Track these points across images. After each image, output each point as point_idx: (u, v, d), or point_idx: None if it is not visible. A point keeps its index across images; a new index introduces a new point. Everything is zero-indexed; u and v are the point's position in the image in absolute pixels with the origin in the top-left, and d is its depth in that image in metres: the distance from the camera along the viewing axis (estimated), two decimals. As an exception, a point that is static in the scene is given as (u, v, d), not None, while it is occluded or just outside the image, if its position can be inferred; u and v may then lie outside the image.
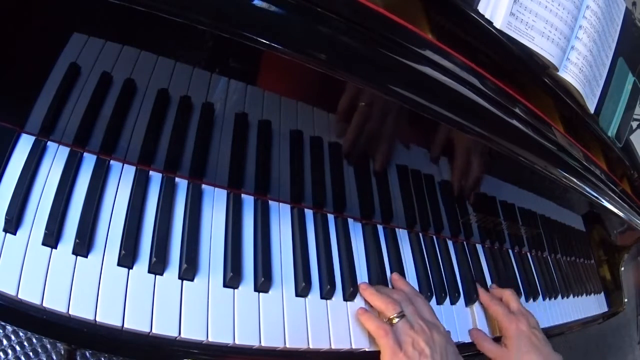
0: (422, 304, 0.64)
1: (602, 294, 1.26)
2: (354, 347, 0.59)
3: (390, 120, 0.57)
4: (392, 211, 0.72)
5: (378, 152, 0.63)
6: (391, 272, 0.69)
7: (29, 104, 0.48)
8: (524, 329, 0.72)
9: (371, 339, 0.60)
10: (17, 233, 0.45)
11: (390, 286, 0.67)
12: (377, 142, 0.61)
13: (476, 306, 0.78)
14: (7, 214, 0.45)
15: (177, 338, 0.48)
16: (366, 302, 0.63)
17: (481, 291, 0.78)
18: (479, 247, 0.87)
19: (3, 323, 0.59)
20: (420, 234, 0.77)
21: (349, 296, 0.62)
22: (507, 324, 0.73)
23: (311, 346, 0.56)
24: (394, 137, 0.61)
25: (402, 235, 0.75)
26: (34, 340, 0.60)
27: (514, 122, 0.61)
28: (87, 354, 0.61)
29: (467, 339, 0.73)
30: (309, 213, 0.66)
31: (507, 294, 0.79)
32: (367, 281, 0.66)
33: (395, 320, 0.58)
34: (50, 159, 0.51)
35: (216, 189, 0.60)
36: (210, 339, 0.50)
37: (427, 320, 0.60)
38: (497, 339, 0.75)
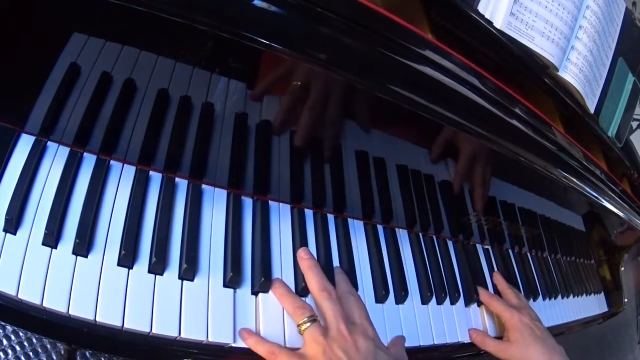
0: (353, 303, 0.57)
1: (602, 294, 1.26)
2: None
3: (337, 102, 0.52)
4: (392, 211, 0.72)
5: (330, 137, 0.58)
6: (391, 272, 0.69)
7: (29, 104, 0.48)
8: (526, 320, 0.72)
9: None
10: (17, 233, 0.45)
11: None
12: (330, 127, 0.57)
13: (476, 306, 0.78)
14: (7, 214, 0.45)
15: (177, 338, 0.48)
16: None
17: (481, 290, 0.79)
18: (479, 247, 0.87)
19: (3, 323, 0.59)
20: (420, 234, 0.77)
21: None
22: (509, 316, 0.73)
23: (311, 346, 0.56)
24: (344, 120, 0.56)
25: (402, 235, 0.75)
26: (34, 340, 0.60)
27: (514, 122, 0.61)
28: (87, 354, 0.61)
29: (467, 339, 0.73)
30: (309, 213, 0.66)
31: (508, 292, 0.80)
32: (367, 281, 0.66)
33: (305, 326, 0.52)
34: (50, 159, 0.51)
35: (216, 189, 0.60)
36: (210, 339, 0.50)
37: (354, 323, 0.55)
38: (500, 339, 0.75)
